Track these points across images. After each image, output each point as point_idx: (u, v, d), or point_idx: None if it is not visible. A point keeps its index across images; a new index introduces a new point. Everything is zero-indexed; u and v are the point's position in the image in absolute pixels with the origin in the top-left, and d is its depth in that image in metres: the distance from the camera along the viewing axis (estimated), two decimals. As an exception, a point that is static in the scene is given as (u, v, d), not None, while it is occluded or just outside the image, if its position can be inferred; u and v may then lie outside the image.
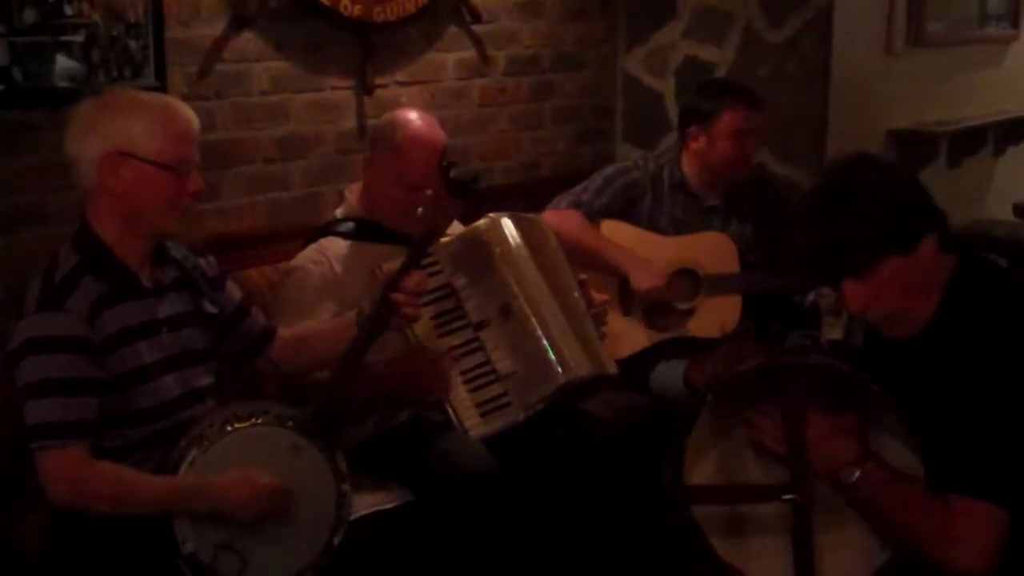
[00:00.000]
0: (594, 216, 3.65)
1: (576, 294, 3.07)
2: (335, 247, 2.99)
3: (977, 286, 2.15)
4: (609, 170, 3.78)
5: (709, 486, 2.26)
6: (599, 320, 3.12)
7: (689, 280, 3.61)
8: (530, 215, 3.29)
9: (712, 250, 3.64)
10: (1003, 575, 2.03)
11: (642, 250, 3.60)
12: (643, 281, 3.54)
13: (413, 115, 3.09)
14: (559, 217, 3.62)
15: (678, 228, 3.68)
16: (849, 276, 2.12)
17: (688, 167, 3.69)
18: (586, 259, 3.47)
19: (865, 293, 2.12)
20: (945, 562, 2.03)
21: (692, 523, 2.22)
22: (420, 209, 2.83)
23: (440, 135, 3.07)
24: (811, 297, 3.19)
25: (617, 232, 3.65)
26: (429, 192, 2.93)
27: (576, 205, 3.66)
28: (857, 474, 2.11)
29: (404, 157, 2.99)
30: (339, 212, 3.11)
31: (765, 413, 2.22)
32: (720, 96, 3.63)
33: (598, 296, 3.18)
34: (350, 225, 3.04)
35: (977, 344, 2.06)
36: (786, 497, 2.18)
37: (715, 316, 3.56)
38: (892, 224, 2.09)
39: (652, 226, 3.68)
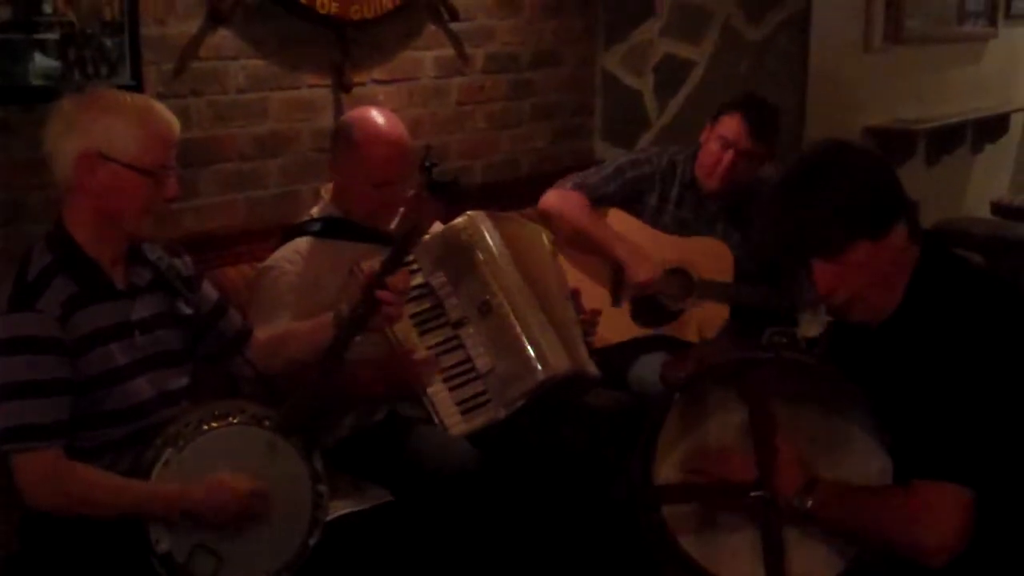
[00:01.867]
0: (598, 202, 3.66)
1: (563, 297, 3.08)
2: (310, 246, 2.98)
3: (941, 276, 2.16)
4: (622, 159, 3.79)
5: (677, 485, 2.27)
6: (588, 329, 3.12)
7: (682, 281, 3.61)
8: (515, 216, 3.31)
9: (709, 256, 3.62)
10: (971, 554, 2.04)
11: (640, 244, 3.61)
12: (640, 273, 3.55)
13: (370, 112, 3.04)
14: (561, 196, 3.66)
15: (681, 228, 3.67)
16: (820, 257, 2.13)
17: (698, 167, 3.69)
18: (583, 243, 3.53)
19: (834, 275, 2.13)
20: (915, 547, 2.05)
21: (661, 522, 2.23)
22: (402, 209, 2.84)
23: (398, 129, 3.01)
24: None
25: (621, 222, 3.66)
26: (411, 192, 2.93)
27: (580, 187, 3.68)
28: (809, 502, 2.14)
29: (365, 155, 2.95)
30: (315, 211, 3.10)
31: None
32: (735, 104, 3.59)
33: (591, 307, 3.19)
34: (325, 224, 3.03)
35: (941, 332, 2.08)
36: (754, 494, 2.19)
37: (701, 321, 3.56)
38: (867, 208, 2.12)
39: (655, 222, 3.68)
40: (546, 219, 3.69)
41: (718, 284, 3.60)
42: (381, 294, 2.51)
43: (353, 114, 3.10)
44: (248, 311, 2.88)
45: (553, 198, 3.69)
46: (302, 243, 2.99)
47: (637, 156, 3.80)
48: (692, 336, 3.52)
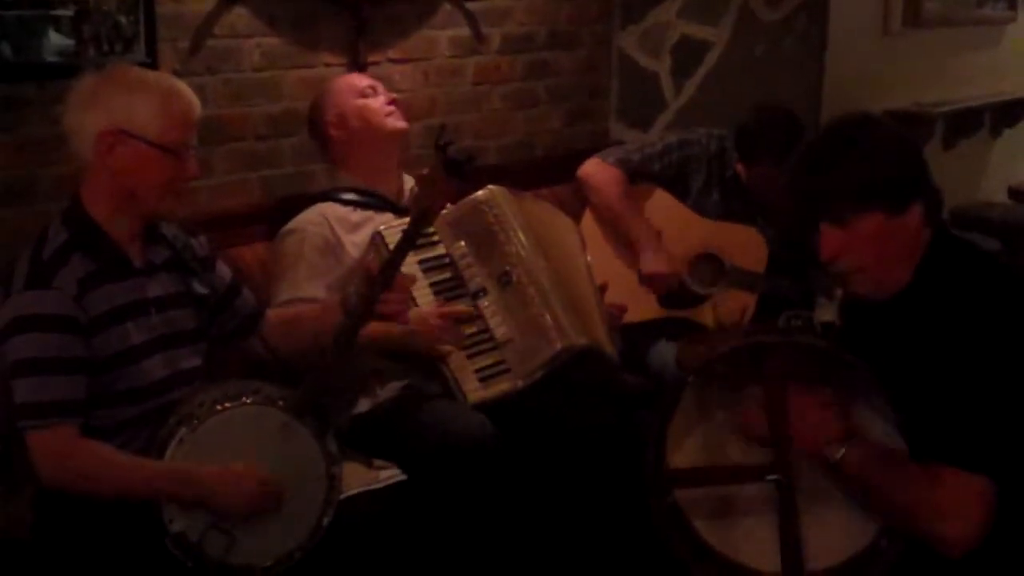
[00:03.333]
0: (639, 179, 3.65)
1: (586, 280, 3.07)
2: (335, 211, 3.01)
3: (953, 260, 2.15)
4: (672, 138, 3.76)
5: (692, 469, 2.26)
6: (611, 322, 3.12)
7: (713, 267, 3.59)
8: (543, 200, 3.33)
9: (743, 244, 3.59)
10: (991, 545, 2.04)
11: (676, 226, 3.60)
12: (650, 264, 3.53)
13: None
14: (600, 168, 3.66)
15: (723, 214, 3.64)
16: (829, 220, 2.12)
17: (739, 168, 3.65)
18: (607, 219, 3.54)
19: (840, 241, 2.12)
20: (934, 534, 2.04)
21: (675, 506, 2.22)
22: (414, 187, 2.85)
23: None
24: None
25: (661, 203, 3.64)
26: (426, 171, 2.94)
27: (623, 163, 3.66)
28: (842, 452, 2.11)
29: (344, 80, 3.21)
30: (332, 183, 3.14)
31: (749, 400, 2.22)
32: (760, 147, 3.49)
33: (616, 305, 3.18)
34: (348, 191, 3.06)
35: (953, 316, 2.07)
36: (770, 477, 2.18)
37: (725, 309, 3.53)
38: (885, 181, 2.10)
39: (698, 205, 3.65)
40: (581, 187, 3.70)
41: (747, 273, 3.56)
42: (382, 300, 2.49)
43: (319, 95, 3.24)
44: (271, 275, 2.91)
45: (592, 168, 3.68)
46: (326, 207, 3.02)
47: (686, 136, 3.74)
48: (713, 323, 3.50)
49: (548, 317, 2.90)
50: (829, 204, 2.12)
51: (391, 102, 3.15)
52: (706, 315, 3.56)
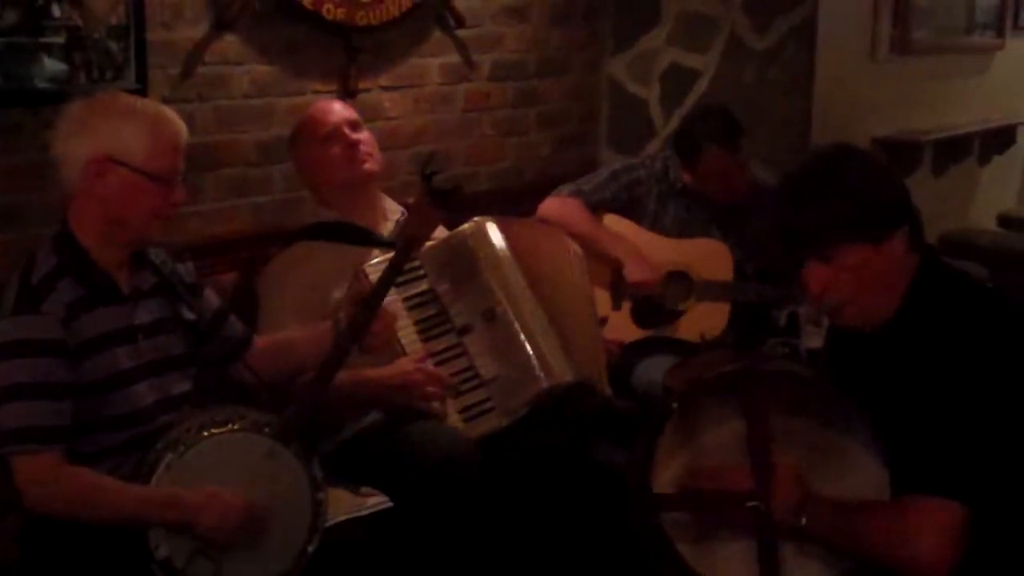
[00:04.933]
0: (595, 208, 3.70)
1: (581, 310, 3.07)
2: (314, 249, 3.00)
3: (940, 287, 2.16)
4: (617, 165, 3.85)
5: (674, 493, 2.26)
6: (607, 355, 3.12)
7: (682, 283, 3.64)
8: (539, 225, 3.32)
9: (708, 256, 3.66)
10: (965, 571, 2.03)
11: (641, 249, 3.64)
12: (637, 273, 3.57)
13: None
14: (559, 203, 3.70)
15: (681, 230, 3.71)
16: (814, 256, 2.13)
17: (687, 177, 3.70)
18: (582, 246, 3.51)
19: (827, 276, 2.14)
20: (909, 564, 2.04)
21: (659, 529, 2.23)
22: (401, 218, 2.85)
23: (323, 100, 3.26)
24: (786, 312, 3.21)
25: (618, 227, 3.70)
26: (412, 199, 2.95)
27: (577, 194, 3.72)
28: (804, 519, 2.13)
29: (311, 120, 3.10)
30: (315, 217, 3.13)
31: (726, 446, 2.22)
32: (698, 137, 3.59)
33: (612, 341, 3.18)
34: (327, 227, 3.05)
35: (937, 344, 2.07)
36: (750, 504, 2.19)
37: (702, 321, 3.58)
38: (865, 211, 2.11)
39: (655, 225, 3.72)
40: None
41: (717, 284, 3.63)
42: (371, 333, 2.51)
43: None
44: (257, 315, 2.90)
45: (551, 205, 3.74)
46: (305, 246, 3.00)
47: (629, 162, 3.86)
48: (693, 336, 3.54)
49: (533, 354, 2.89)
50: (811, 242, 2.13)
51: (353, 144, 3.04)
52: (683, 330, 3.61)
